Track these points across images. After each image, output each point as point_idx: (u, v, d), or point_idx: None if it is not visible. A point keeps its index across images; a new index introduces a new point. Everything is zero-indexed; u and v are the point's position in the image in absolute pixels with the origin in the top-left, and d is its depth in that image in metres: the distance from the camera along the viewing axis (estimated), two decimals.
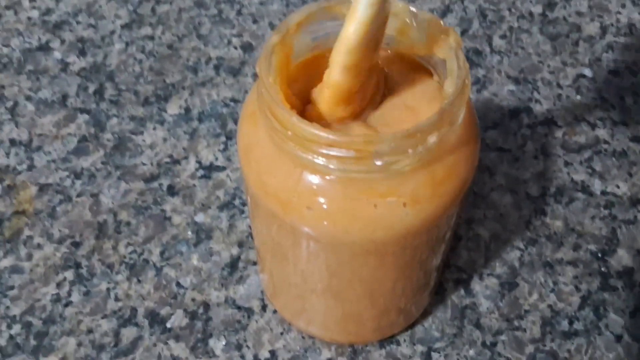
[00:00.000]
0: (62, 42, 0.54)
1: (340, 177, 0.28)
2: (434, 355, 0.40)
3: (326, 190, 0.28)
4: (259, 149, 0.30)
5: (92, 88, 0.51)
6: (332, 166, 0.27)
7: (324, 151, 0.27)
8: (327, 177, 0.28)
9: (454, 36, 0.29)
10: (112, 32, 0.55)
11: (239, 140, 0.32)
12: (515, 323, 0.41)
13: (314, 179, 0.28)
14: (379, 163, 0.27)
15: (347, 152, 0.26)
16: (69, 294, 0.42)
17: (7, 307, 0.41)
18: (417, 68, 0.32)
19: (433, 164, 0.29)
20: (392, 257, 0.32)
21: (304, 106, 0.31)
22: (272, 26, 0.55)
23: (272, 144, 0.29)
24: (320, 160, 0.27)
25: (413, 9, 0.30)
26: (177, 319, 0.41)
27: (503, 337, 0.40)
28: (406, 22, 0.30)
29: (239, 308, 0.41)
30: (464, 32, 0.55)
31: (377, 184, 0.28)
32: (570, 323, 0.41)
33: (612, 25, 0.56)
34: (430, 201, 0.29)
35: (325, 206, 0.29)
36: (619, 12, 0.57)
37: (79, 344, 0.40)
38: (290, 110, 0.27)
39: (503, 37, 0.55)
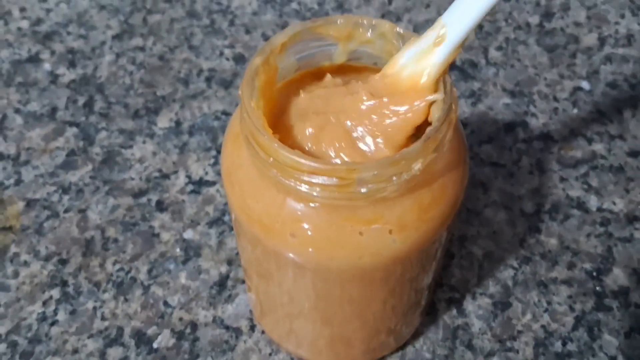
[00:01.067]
0: (52, 53, 0.54)
1: (324, 204, 0.27)
2: None
3: (310, 217, 0.28)
4: (243, 172, 0.29)
5: (81, 101, 0.51)
6: (315, 193, 0.27)
7: (307, 178, 0.26)
8: (311, 204, 0.28)
9: None
10: (103, 43, 0.54)
11: (223, 161, 0.31)
12: (508, 344, 0.40)
13: (298, 205, 0.28)
14: (363, 190, 0.26)
15: (330, 180, 0.26)
16: (55, 312, 0.41)
17: None
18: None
19: (419, 190, 0.28)
20: (380, 280, 0.31)
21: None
22: (265, 37, 0.55)
23: (256, 168, 0.28)
24: (304, 187, 0.26)
25: (400, 29, 0.29)
26: (164, 339, 0.40)
27: (495, 359, 0.39)
28: (393, 43, 0.29)
29: (227, 328, 0.40)
30: None
31: (362, 211, 0.28)
32: (564, 344, 0.40)
33: (610, 36, 0.55)
34: (417, 227, 0.28)
35: (309, 232, 0.28)
36: (617, 23, 0.57)
37: None
38: (272, 136, 0.26)
39: (499, 48, 0.54)
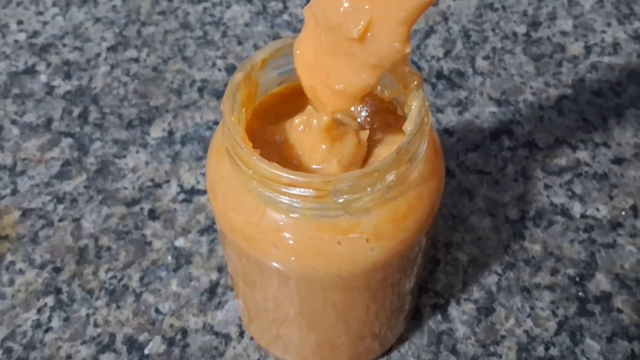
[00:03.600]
0: (48, 65, 0.55)
1: (303, 215, 0.28)
2: None
3: (290, 228, 0.29)
4: (225, 184, 0.30)
5: (76, 111, 0.52)
6: (295, 204, 0.27)
7: (285, 190, 0.27)
8: (291, 215, 0.28)
9: (415, 75, 0.29)
10: (98, 55, 0.55)
11: (207, 173, 0.32)
12: (491, 349, 0.41)
13: (278, 216, 0.29)
14: (339, 201, 0.27)
15: (307, 191, 0.27)
16: (50, 319, 0.42)
17: None
18: (387, 109, 0.33)
19: (394, 200, 0.29)
20: (361, 287, 0.32)
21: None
22: (256, 48, 0.56)
23: (237, 180, 0.29)
24: (283, 199, 0.27)
25: None
26: (155, 345, 0.41)
27: None
28: None
29: (216, 334, 0.41)
30: (447, 53, 0.55)
31: (340, 221, 0.28)
32: (547, 349, 0.41)
33: (596, 44, 0.56)
34: (394, 236, 0.29)
35: (291, 242, 0.29)
36: (603, 32, 0.57)
37: None
38: (251, 149, 0.27)
39: (486, 58, 0.55)
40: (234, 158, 0.28)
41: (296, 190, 0.27)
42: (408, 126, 0.28)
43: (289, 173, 0.26)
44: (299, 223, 0.28)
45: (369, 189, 0.27)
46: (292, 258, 0.29)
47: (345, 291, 0.32)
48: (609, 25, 0.58)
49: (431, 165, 0.30)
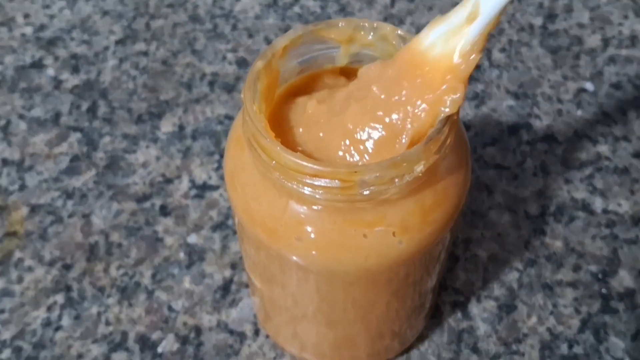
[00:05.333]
0: (56, 58, 0.54)
1: (327, 207, 0.27)
2: None
3: (313, 220, 0.28)
4: (245, 175, 0.29)
5: (85, 106, 0.51)
6: (318, 196, 0.26)
7: (309, 181, 0.26)
8: (314, 207, 0.27)
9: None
10: (106, 48, 0.54)
11: (225, 164, 0.31)
12: (514, 347, 0.40)
13: (301, 208, 0.28)
14: (365, 192, 0.26)
15: (332, 182, 0.26)
16: (60, 317, 0.41)
17: None
18: None
19: (421, 192, 0.28)
20: (385, 282, 0.31)
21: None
22: (267, 41, 0.55)
23: (258, 171, 0.28)
24: (306, 190, 0.26)
25: (401, 32, 0.29)
26: (168, 344, 0.40)
27: None
28: (394, 46, 0.29)
29: (231, 332, 0.40)
30: None
31: (365, 213, 0.27)
32: (570, 347, 0.40)
33: (614, 37, 0.55)
34: (420, 229, 0.28)
35: (313, 235, 0.28)
36: (621, 24, 0.56)
37: None
38: (274, 139, 0.26)
39: (502, 50, 0.54)
40: (256, 148, 0.27)
41: (321, 182, 0.26)
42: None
43: (313, 163, 0.25)
44: (323, 215, 0.27)
45: (397, 180, 0.26)
46: (314, 252, 0.28)
47: (367, 286, 0.31)
48: (625, 17, 0.57)
49: (457, 156, 0.29)
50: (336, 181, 0.26)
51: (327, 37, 0.30)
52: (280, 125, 0.30)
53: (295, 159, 0.26)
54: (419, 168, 0.26)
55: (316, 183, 0.26)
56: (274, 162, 0.26)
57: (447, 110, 0.26)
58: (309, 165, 0.25)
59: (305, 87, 0.32)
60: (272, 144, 0.26)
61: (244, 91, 0.28)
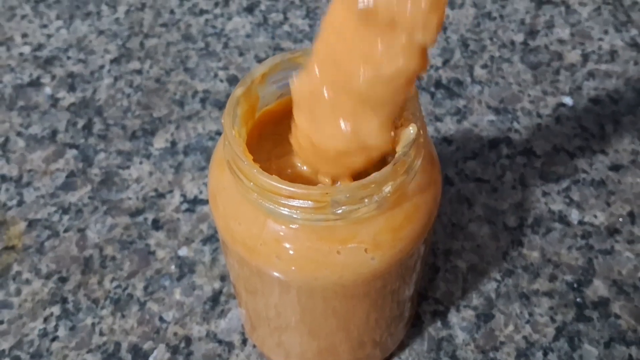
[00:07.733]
0: (53, 77, 0.56)
1: (303, 226, 0.29)
2: None
3: (291, 238, 0.29)
4: (226, 195, 0.31)
5: (81, 123, 0.53)
6: (295, 215, 0.28)
7: (285, 202, 0.28)
8: (292, 226, 0.29)
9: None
10: (102, 67, 0.56)
11: (209, 184, 0.33)
12: (491, 355, 0.41)
13: (279, 227, 0.29)
14: (338, 211, 0.28)
15: (306, 203, 0.27)
16: (56, 328, 0.43)
17: None
18: None
19: (392, 210, 0.30)
20: (362, 295, 0.33)
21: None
22: (258, 59, 0.57)
23: (238, 192, 0.30)
24: (283, 210, 0.28)
25: None
26: (159, 354, 0.42)
27: None
28: None
29: (220, 342, 0.42)
30: (445, 63, 0.56)
31: (339, 231, 0.29)
32: (545, 354, 0.41)
33: (593, 52, 0.57)
34: (392, 245, 0.30)
35: (291, 252, 0.30)
36: (601, 39, 0.58)
37: None
38: (252, 162, 0.28)
39: (484, 66, 0.56)
40: (235, 171, 0.29)
41: (296, 202, 0.28)
42: (403, 140, 0.28)
43: (288, 185, 0.27)
44: (299, 234, 0.29)
45: (366, 200, 0.28)
46: (293, 268, 0.30)
47: (345, 299, 0.33)
48: (606, 32, 0.59)
49: (427, 176, 0.31)
50: (309, 202, 0.27)
51: (304, 63, 0.32)
52: (260, 148, 0.31)
53: (271, 182, 0.27)
54: (387, 189, 0.28)
55: (292, 203, 0.28)
56: (252, 183, 0.28)
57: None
58: (284, 187, 0.27)
59: (285, 109, 0.34)
60: (249, 167, 0.28)
61: (224, 117, 0.29)
